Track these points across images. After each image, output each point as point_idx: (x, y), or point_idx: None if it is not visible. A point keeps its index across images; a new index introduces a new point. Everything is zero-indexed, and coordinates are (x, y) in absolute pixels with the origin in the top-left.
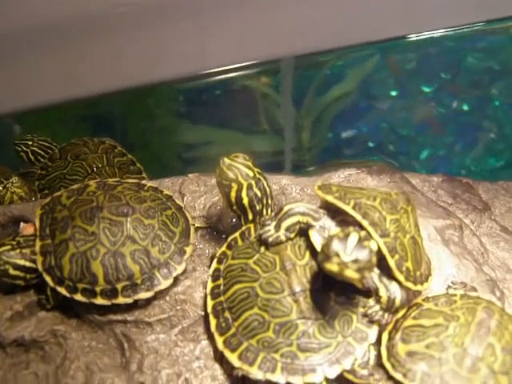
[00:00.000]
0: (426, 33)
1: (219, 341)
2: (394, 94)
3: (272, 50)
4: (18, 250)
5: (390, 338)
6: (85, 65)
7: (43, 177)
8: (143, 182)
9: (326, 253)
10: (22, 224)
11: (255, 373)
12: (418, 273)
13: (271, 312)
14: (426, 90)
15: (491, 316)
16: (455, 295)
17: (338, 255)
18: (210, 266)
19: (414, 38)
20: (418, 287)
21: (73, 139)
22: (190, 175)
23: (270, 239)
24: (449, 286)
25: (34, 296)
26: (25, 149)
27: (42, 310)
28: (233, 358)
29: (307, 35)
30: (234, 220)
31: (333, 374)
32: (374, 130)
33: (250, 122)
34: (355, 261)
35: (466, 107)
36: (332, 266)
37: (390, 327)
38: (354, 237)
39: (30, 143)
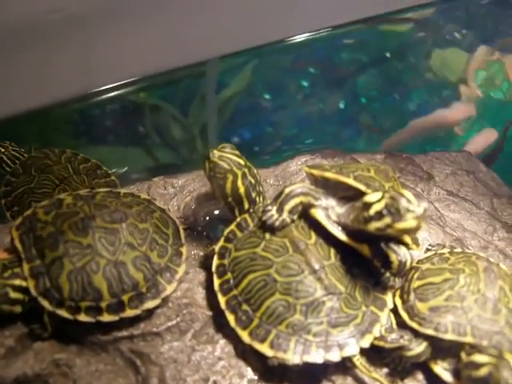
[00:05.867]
0: (298, 36)
1: (244, 335)
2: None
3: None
4: (9, 271)
5: (404, 301)
6: None
7: (9, 193)
8: (115, 190)
9: (395, 214)
10: None
11: (291, 358)
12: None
13: (294, 294)
14: (304, 84)
15: (490, 263)
16: (444, 253)
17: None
18: (203, 265)
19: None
20: (418, 248)
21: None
22: (154, 179)
23: (277, 223)
24: (427, 249)
25: (24, 327)
26: None
27: (37, 340)
28: (264, 348)
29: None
30: (208, 218)
31: (366, 343)
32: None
33: (145, 136)
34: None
35: (341, 101)
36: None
37: (397, 292)
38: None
39: (3, 150)
